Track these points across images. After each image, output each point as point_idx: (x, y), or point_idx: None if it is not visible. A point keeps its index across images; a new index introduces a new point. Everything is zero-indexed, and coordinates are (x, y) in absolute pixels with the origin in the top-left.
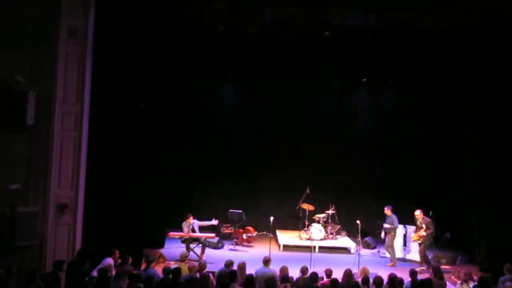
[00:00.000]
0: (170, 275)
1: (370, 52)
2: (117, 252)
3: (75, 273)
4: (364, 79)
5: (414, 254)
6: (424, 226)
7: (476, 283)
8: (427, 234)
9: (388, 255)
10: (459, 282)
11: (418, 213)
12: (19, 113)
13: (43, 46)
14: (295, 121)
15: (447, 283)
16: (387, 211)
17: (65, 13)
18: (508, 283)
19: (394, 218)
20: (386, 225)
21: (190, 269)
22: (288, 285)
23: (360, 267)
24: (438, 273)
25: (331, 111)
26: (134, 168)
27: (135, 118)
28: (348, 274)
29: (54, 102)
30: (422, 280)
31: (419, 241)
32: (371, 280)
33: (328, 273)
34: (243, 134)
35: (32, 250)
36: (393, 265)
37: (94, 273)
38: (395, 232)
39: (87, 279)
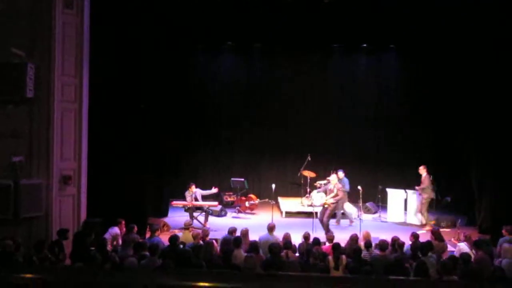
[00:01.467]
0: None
1: (370, 16)
2: (123, 221)
3: (81, 242)
4: (364, 45)
5: (415, 217)
6: (335, 191)
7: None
8: (335, 200)
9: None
10: (459, 244)
11: (333, 177)
12: (18, 86)
13: (39, 17)
14: (296, 88)
15: (448, 245)
16: (340, 174)
17: None
18: (506, 244)
19: (345, 181)
20: (338, 186)
21: (194, 236)
22: (290, 251)
23: (362, 231)
24: (438, 236)
25: (332, 77)
26: (136, 139)
27: (135, 88)
28: (353, 238)
29: (53, 74)
30: (422, 242)
31: (326, 206)
32: (373, 244)
33: (330, 238)
34: (245, 103)
35: (38, 221)
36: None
37: (107, 236)
38: (346, 195)
39: (93, 248)
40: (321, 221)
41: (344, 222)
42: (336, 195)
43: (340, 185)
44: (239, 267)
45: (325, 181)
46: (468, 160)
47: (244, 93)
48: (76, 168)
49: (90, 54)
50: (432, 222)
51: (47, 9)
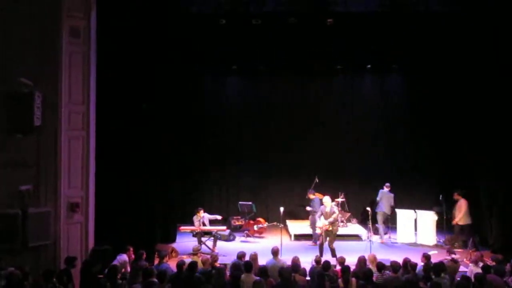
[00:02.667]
0: (184, 269)
1: (373, 38)
2: (131, 248)
3: (89, 271)
4: (369, 66)
5: (425, 238)
6: (336, 211)
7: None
8: (333, 220)
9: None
10: (470, 264)
11: (326, 199)
12: (26, 115)
13: (46, 46)
14: (302, 109)
15: (460, 265)
16: (310, 195)
17: (66, 13)
18: None
19: (316, 201)
20: (308, 208)
21: (203, 262)
22: (297, 275)
23: (369, 255)
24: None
25: (337, 98)
26: (143, 165)
27: (142, 115)
28: (361, 260)
29: (60, 102)
30: (435, 263)
31: (329, 229)
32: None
33: (341, 261)
34: (251, 126)
35: (46, 250)
36: (314, 245)
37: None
38: (314, 214)
39: (101, 276)
40: (321, 245)
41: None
42: (336, 216)
43: (336, 206)
44: None
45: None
46: (478, 179)
47: (251, 117)
48: (83, 196)
49: (97, 79)
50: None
51: (54, 38)
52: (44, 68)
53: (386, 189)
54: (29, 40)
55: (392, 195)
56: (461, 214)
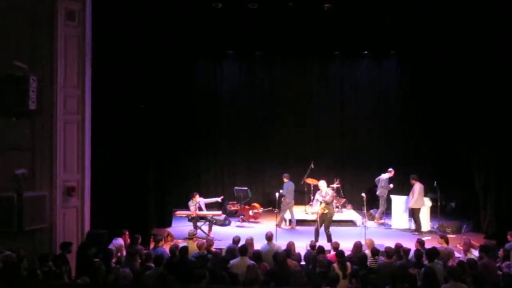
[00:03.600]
0: (177, 254)
1: (370, 23)
2: (127, 232)
3: (85, 254)
4: (366, 51)
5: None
6: (328, 197)
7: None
8: (326, 201)
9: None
10: (462, 251)
11: (321, 184)
12: (21, 98)
13: (41, 29)
14: (298, 95)
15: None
16: (284, 179)
17: None
18: None
19: (285, 186)
20: (281, 191)
21: (199, 246)
22: (290, 260)
23: (366, 239)
24: (446, 241)
25: (334, 84)
26: (138, 149)
27: (138, 98)
28: (357, 245)
29: (55, 86)
30: (428, 249)
31: (325, 211)
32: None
33: (335, 246)
34: (247, 111)
35: (42, 233)
36: (291, 228)
37: (111, 247)
38: (287, 198)
39: (96, 260)
40: (317, 230)
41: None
42: (331, 198)
43: (331, 192)
44: (237, 275)
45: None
46: (472, 165)
47: (246, 101)
48: (79, 180)
49: (93, 63)
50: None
51: (49, 21)
52: (39, 51)
53: (387, 174)
54: (24, 23)
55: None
56: (414, 198)
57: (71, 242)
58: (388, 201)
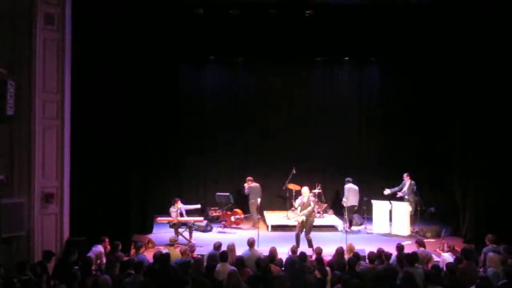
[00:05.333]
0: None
1: (352, 30)
2: (107, 239)
3: (64, 262)
4: (347, 58)
5: (400, 228)
6: (312, 204)
7: (458, 254)
8: (309, 212)
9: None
10: (443, 254)
11: (304, 190)
12: None
13: (20, 33)
14: (279, 101)
15: (432, 255)
16: (248, 182)
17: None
18: (490, 253)
19: (250, 188)
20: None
21: (182, 252)
22: (273, 265)
23: (347, 244)
24: (423, 245)
25: (315, 90)
26: (119, 155)
27: (118, 104)
28: (339, 251)
29: (34, 91)
30: (408, 253)
31: (304, 220)
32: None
33: (318, 251)
34: (229, 116)
35: (20, 241)
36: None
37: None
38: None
39: (76, 267)
40: (298, 236)
41: None
42: (312, 208)
43: (313, 198)
44: (221, 282)
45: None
46: (451, 170)
47: (228, 107)
48: (58, 186)
49: (72, 68)
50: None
51: (28, 25)
52: (17, 55)
53: (349, 184)
54: (2, 27)
55: (356, 187)
56: (347, 198)
57: (54, 253)
58: (369, 206)
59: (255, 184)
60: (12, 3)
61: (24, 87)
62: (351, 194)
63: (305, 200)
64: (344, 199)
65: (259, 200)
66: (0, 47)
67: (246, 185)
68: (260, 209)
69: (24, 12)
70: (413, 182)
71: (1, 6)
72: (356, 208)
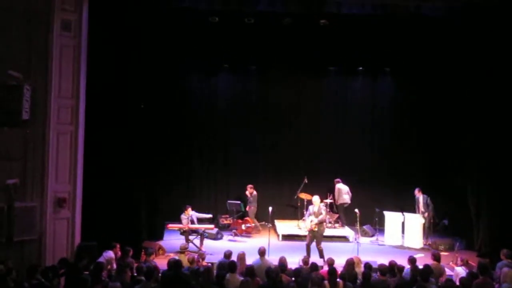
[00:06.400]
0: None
1: (365, 40)
2: (118, 245)
3: (75, 267)
4: (361, 68)
5: (412, 241)
6: (323, 212)
7: (472, 269)
8: (319, 221)
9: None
10: (456, 268)
11: (315, 199)
12: (15, 108)
13: (37, 39)
14: (292, 110)
15: (446, 268)
16: (249, 189)
17: (58, 6)
18: (505, 269)
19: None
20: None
21: (190, 260)
22: (284, 275)
23: (354, 257)
24: (437, 259)
25: (328, 100)
26: (132, 161)
27: (131, 111)
28: (349, 263)
29: (49, 96)
30: (422, 268)
31: (315, 229)
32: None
33: (330, 262)
34: (240, 124)
35: (31, 245)
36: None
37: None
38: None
39: (86, 273)
40: (308, 246)
41: None
42: (323, 217)
43: (324, 207)
44: None
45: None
46: (465, 183)
47: (240, 115)
48: (71, 191)
49: (87, 74)
50: None
51: (45, 31)
52: (34, 61)
53: (338, 185)
54: (19, 33)
55: (346, 187)
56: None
57: (68, 260)
58: (381, 217)
59: (255, 192)
60: (30, 10)
61: (40, 92)
62: (341, 193)
63: (315, 209)
64: (336, 198)
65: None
66: (17, 52)
67: (248, 192)
68: (271, 218)
69: (41, 18)
70: (425, 195)
71: (19, 12)
72: (346, 206)
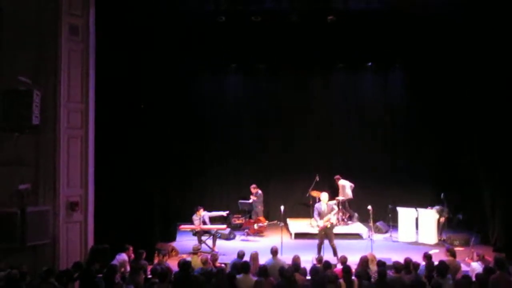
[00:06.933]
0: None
1: (374, 36)
2: (131, 247)
3: (88, 270)
4: (370, 63)
5: (427, 236)
6: (335, 207)
7: (488, 264)
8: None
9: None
10: (472, 263)
11: (323, 196)
12: (25, 113)
13: (45, 44)
14: (302, 107)
15: (461, 264)
16: (253, 189)
17: (65, 11)
18: None
19: (258, 195)
20: (253, 199)
21: (203, 262)
22: (298, 274)
23: (368, 254)
24: (453, 255)
25: (338, 96)
26: (142, 163)
27: (141, 113)
28: (363, 260)
29: (59, 101)
30: (438, 264)
31: (328, 226)
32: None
33: (343, 260)
34: (251, 123)
35: (44, 249)
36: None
37: (114, 262)
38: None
39: (100, 276)
40: (320, 244)
41: None
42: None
43: (332, 203)
44: None
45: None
46: (480, 177)
47: (251, 113)
48: (83, 194)
49: (96, 77)
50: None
51: (53, 36)
52: (43, 66)
53: (341, 181)
54: (28, 38)
55: (348, 182)
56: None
57: (82, 263)
58: (395, 213)
59: (259, 191)
60: (38, 15)
61: (49, 96)
62: (345, 189)
63: (324, 207)
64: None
65: None
66: (26, 58)
67: (254, 192)
68: (284, 216)
69: (50, 24)
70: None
71: (27, 18)
72: (351, 200)
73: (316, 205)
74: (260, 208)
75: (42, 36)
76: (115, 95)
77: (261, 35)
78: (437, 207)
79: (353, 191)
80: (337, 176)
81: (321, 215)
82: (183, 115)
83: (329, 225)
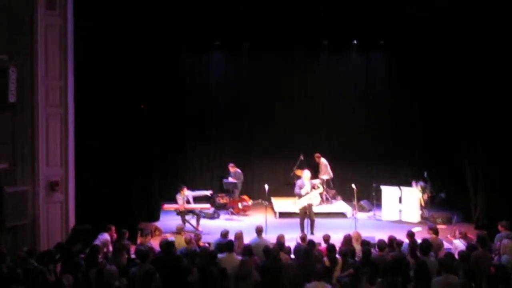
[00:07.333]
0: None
1: (359, 13)
2: (113, 227)
3: (69, 250)
4: (354, 41)
5: (410, 215)
6: (319, 185)
7: (470, 242)
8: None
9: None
10: (454, 241)
11: (305, 174)
12: (0, 91)
13: (21, 19)
14: (286, 86)
15: (444, 242)
16: (231, 168)
17: None
18: (505, 240)
19: (237, 174)
20: (230, 180)
21: (187, 241)
22: (282, 253)
23: (353, 232)
24: (436, 233)
25: (322, 74)
26: (124, 142)
27: (122, 88)
28: (347, 238)
29: (36, 78)
30: (421, 242)
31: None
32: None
33: (326, 238)
34: (235, 102)
35: (24, 230)
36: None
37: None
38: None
39: (82, 256)
40: (302, 221)
41: None
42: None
43: (314, 182)
44: (225, 270)
45: (318, 180)
46: (462, 156)
47: (234, 93)
48: (63, 174)
49: (75, 54)
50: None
51: (29, 11)
52: (18, 41)
53: (323, 159)
54: (2, 12)
55: (326, 161)
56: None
57: (64, 244)
58: (379, 192)
59: (238, 169)
60: None
61: (26, 73)
62: (327, 167)
63: (308, 186)
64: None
65: None
66: (1, 33)
67: (232, 171)
68: (268, 196)
69: None
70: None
71: None
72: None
73: (298, 181)
74: (239, 186)
75: (17, 11)
76: (95, 72)
77: (244, 12)
78: (421, 183)
79: (333, 170)
80: (317, 154)
81: (303, 190)
82: (165, 94)
83: (310, 202)
